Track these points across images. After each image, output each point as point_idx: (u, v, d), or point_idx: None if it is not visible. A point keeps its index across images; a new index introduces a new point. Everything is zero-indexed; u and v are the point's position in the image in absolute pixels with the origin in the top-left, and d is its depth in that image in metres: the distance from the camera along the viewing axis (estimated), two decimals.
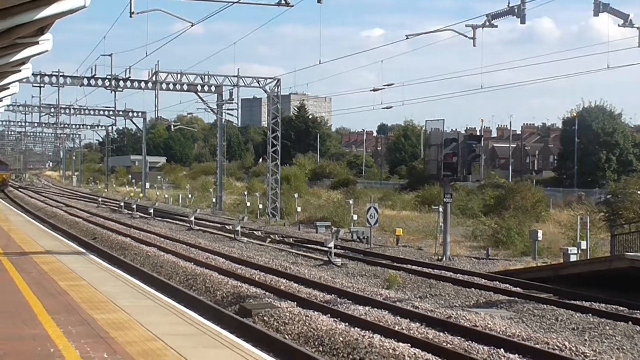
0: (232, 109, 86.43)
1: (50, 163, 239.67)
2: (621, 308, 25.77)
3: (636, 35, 31.13)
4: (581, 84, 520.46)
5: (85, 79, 76.80)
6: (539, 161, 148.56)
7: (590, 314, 24.85)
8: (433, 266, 36.66)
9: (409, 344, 19.05)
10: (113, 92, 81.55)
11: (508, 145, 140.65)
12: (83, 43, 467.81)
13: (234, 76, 77.04)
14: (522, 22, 30.16)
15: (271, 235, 51.29)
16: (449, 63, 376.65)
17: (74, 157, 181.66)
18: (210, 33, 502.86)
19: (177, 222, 63.87)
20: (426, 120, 45.47)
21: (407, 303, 26.22)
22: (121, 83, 76.77)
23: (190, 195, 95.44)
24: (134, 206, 73.21)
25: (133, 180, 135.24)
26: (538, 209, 61.48)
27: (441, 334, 21.04)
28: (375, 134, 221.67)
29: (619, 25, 30.27)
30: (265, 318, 22.77)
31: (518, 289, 29.96)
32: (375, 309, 24.56)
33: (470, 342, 19.97)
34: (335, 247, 39.40)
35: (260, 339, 19.41)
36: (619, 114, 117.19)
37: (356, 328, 20.95)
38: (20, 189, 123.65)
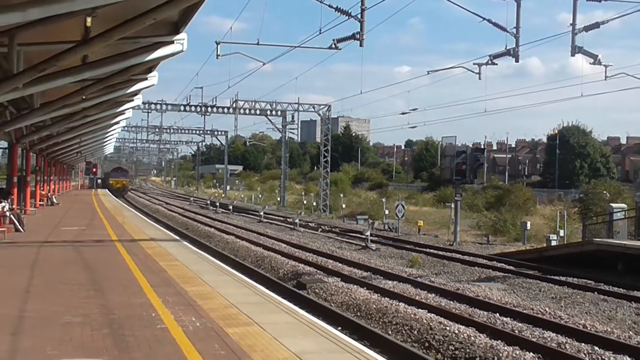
0: (294, 129, 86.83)
1: (155, 171, 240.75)
2: (589, 281, 25.62)
3: (603, 72, 30.96)
4: (561, 108, 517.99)
5: (182, 106, 77.34)
6: (529, 168, 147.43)
7: (565, 286, 24.75)
8: (446, 250, 36.55)
9: (427, 310, 19.08)
10: (203, 116, 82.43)
11: (505, 155, 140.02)
12: (181, 78, 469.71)
13: (295, 103, 77.51)
14: (517, 60, 29.97)
15: (322, 226, 51.26)
16: (460, 92, 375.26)
17: (172, 166, 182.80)
18: (277, 70, 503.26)
19: (250, 216, 63.95)
20: (442, 137, 45.39)
21: (425, 278, 26.15)
22: (209, 109, 77.25)
23: (260, 195, 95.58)
24: (218, 204, 73.45)
25: (217, 184, 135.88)
26: (528, 205, 61.20)
27: (451, 302, 21.01)
28: (403, 147, 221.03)
29: (590, 63, 30.05)
30: (316, 290, 22.82)
31: (511, 267, 29.82)
32: (401, 283, 24.55)
33: (473, 308, 19.95)
34: (371, 235, 39.31)
35: (312, 306, 19.47)
36: (590, 131, 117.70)
37: (386, 298, 20.98)
38: (131, 191, 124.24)
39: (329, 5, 29.55)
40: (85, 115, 35.42)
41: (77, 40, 18.91)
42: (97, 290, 15.64)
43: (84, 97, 28.47)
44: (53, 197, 58.54)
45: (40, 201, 51.94)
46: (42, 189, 56.87)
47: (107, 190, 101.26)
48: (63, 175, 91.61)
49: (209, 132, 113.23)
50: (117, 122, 51.99)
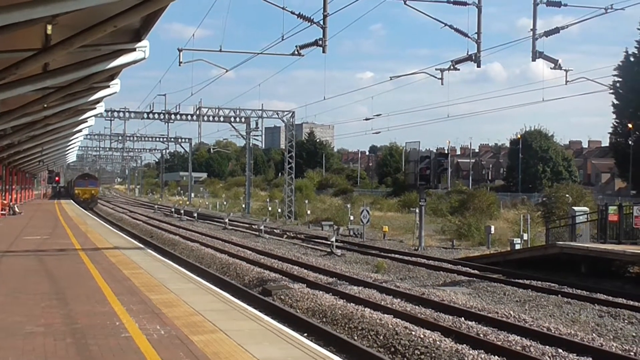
0: (258, 135, 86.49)
1: (118, 179, 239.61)
2: (553, 284, 25.82)
3: (563, 76, 31.18)
4: (523, 113, 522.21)
5: (145, 114, 77.22)
6: (492, 172, 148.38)
7: (529, 290, 24.89)
8: (411, 254, 36.62)
9: (392, 315, 19.07)
10: (166, 124, 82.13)
11: (469, 160, 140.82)
12: (143, 86, 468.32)
13: (258, 110, 77.42)
14: (478, 66, 30.07)
15: (287, 233, 51.21)
16: (423, 98, 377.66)
17: (136, 174, 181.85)
18: (240, 77, 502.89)
19: (215, 223, 63.77)
20: (406, 142, 45.65)
21: (391, 283, 26.21)
22: (172, 116, 77.04)
23: (225, 202, 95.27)
24: (182, 211, 73.17)
25: (181, 191, 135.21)
26: (491, 209, 61.43)
27: (417, 307, 21.06)
28: (367, 153, 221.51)
29: (550, 68, 30.19)
30: (282, 297, 22.77)
31: (476, 271, 29.99)
32: (367, 288, 24.57)
33: (439, 313, 20.00)
34: (336, 241, 39.35)
35: (278, 313, 19.44)
36: (551, 135, 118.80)
37: (352, 303, 20.96)
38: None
39: (291, 12, 29.52)
40: (47, 123, 35.14)
41: (37, 48, 18.76)
42: (60, 299, 15.50)
43: (45, 105, 28.25)
44: (15, 206, 58.04)
45: (2, 210, 51.47)
46: (3, 198, 56.33)
47: (71, 200, 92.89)
48: (25, 184, 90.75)
49: (172, 139, 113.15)
50: (80, 130, 51.64)
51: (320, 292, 23.22)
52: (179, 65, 38.46)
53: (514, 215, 52.95)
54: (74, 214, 57.67)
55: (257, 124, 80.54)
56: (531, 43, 28.43)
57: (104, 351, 10.75)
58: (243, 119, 78.89)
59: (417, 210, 42.35)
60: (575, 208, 35.08)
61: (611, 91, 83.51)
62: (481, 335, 17.02)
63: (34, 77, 21.47)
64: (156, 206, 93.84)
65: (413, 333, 16.57)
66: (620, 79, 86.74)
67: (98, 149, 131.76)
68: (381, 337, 16.92)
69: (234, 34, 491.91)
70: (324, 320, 19.46)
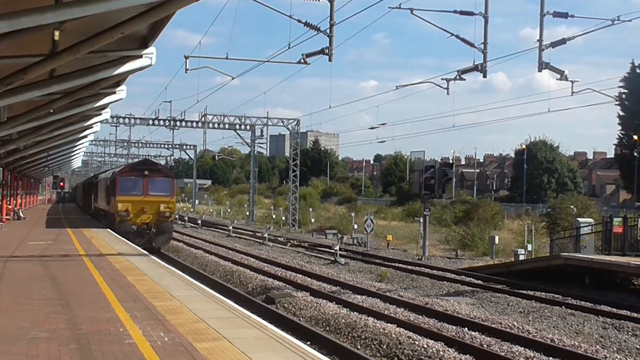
0: (262, 143, 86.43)
1: None
2: (557, 295, 25.84)
3: (569, 87, 31.18)
4: (528, 124, 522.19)
5: (150, 120, 77.20)
6: (497, 183, 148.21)
7: (533, 300, 24.90)
8: (415, 264, 36.61)
9: (396, 325, 19.08)
10: (172, 130, 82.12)
11: (473, 170, 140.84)
12: (149, 92, 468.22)
13: (263, 117, 77.33)
14: (484, 76, 30.05)
15: (291, 241, 51.19)
16: (429, 107, 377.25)
17: None
18: (245, 84, 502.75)
19: (219, 230, 63.76)
20: (411, 152, 45.65)
21: (394, 293, 26.18)
22: (178, 123, 76.99)
23: (229, 210, 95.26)
24: (186, 218, 73.22)
25: (186, 198, 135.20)
26: (495, 220, 61.42)
27: (420, 316, 21.06)
28: (372, 162, 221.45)
29: (556, 79, 30.21)
30: (285, 305, 22.77)
31: (479, 282, 29.97)
32: (370, 297, 24.57)
33: (442, 323, 20.00)
34: (340, 249, 39.31)
35: (281, 321, 19.45)
36: (557, 146, 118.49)
37: (355, 312, 20.98)
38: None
39: (298, 20, 29.55)
40: (53, 129, 35.18)
41: (44, 54, 18.80)
42: (64, 305, 15.51)
43: (51, 110, 28.27)
44: (20, 211, 58.09)
45: (6, 215, 51.51)
46: (8, 203, 56.37)
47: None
48: (30, 189, 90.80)
49: (177, 146, 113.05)
50: (85, 136, 51.65)
51: (324, 300, 23.23)
52: (185, 72, 38.51)
53: (518, 225, 52.85)
54: (78, 220, 57.55)
55: (262, 131, 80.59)
56: (537, 53, 28.44)
57: (108, 357, 10.74)
58: (248, 127, 78.89)
59: (421, 220, 42.34)
60: (580, 219, 35.03)
61: (617, 103, 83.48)
62: (485, 345, 17.00)
63: (41, 83, 21.51)
64: None
65: (416, 343, 16.56)
66: (626, 91, 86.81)
67: (103, 154, 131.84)
68: (384, 347, 16.92)
69: (240, 41, 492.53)
70: (328, 329, 19.46)
